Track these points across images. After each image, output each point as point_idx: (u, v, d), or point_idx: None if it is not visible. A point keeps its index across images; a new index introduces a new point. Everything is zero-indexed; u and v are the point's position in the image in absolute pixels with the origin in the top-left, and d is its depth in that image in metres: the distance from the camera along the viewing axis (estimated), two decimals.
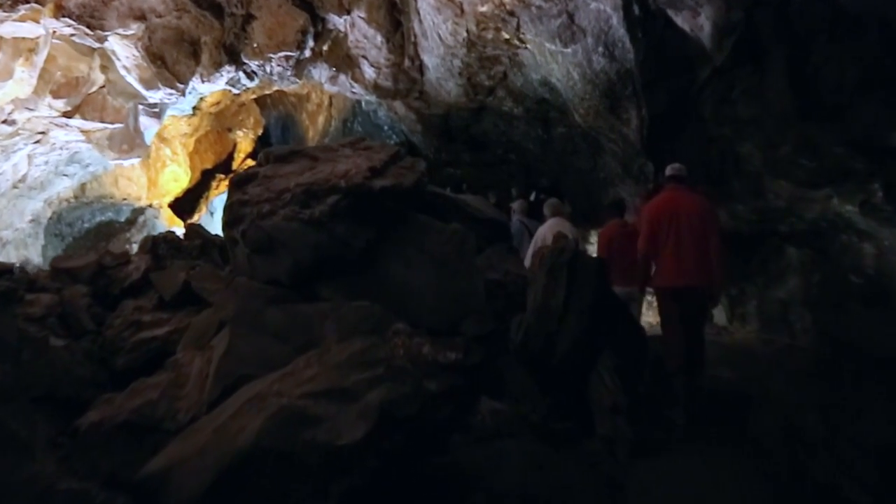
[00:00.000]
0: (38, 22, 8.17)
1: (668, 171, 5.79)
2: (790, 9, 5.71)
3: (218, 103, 15.07)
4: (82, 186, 13.36)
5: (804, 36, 5.69)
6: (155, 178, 14.93)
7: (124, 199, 14.41)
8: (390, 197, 5.26)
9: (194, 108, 14.27)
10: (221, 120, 17.05)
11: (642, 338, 5.65)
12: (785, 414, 4.82)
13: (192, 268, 5.50)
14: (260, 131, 18.55)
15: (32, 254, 12.37)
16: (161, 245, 5.90)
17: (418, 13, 9.66)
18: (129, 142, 10.67)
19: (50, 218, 13.17)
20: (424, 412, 3.24)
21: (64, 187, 12.59)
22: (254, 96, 15.86)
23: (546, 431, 4.26)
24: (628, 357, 5.07)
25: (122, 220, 14.79)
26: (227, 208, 5.31)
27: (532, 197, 11.00)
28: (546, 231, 7.50)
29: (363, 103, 14.47)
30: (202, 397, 3.89)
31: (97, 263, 5.63)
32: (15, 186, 10.74)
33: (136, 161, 12.01)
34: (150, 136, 12.08)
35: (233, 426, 3.22)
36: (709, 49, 6.52)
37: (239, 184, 5.39)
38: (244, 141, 18.10)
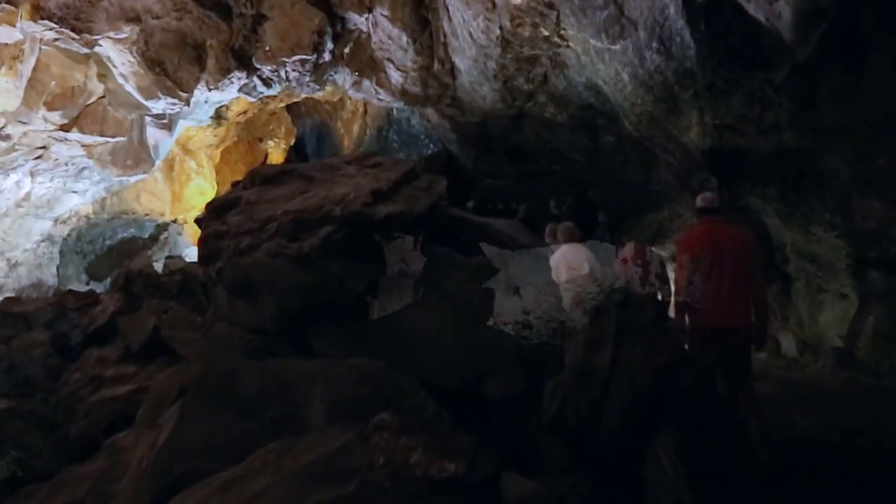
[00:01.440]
0: (13, 25, 7.47)
1: (700, 202, 5.35)
2: None
3: (245, 112, 14.45)
4: (102, 202, 12.82)
5: None
6: (179, 192, 14.38)
7: (147, 215, 13.87)
8: (397, 226, 4.40)
9: (220, 117, 13.65)
10: (251, 129, 16.51)
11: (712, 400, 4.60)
12: None
13: (165, 311, 4.63)
14: (292, 140, 17.97)
15: (46, 275, 11.80)
16: (136, 282, 5.07)
17: (447, 9, 8.78)
18: (134, 156, 9.96)
19: (68, 236, 12.65)
20: None
21: (74, 204, 12.00)
22: (282, 104, 15.24)
23: None
24: (695, 430, 4.02)
25: (146, 236, 14.23)
26: (202, 241, 4.49)
27: (561, 209, 10.12)
28: (559, 261, 6.36)
29: (395, 111, 13.68)
30: (133, 501, 3.00)
31: (58, 304, 4.84)
32: (19, 205, 10.17)
33: (141, 177, 11.33)
34: (163, 150, 11.41)
35: None
36: (789, 42, 5.45)
37: (217, 211, 4.57)
38: (276, 151, 17.54)
